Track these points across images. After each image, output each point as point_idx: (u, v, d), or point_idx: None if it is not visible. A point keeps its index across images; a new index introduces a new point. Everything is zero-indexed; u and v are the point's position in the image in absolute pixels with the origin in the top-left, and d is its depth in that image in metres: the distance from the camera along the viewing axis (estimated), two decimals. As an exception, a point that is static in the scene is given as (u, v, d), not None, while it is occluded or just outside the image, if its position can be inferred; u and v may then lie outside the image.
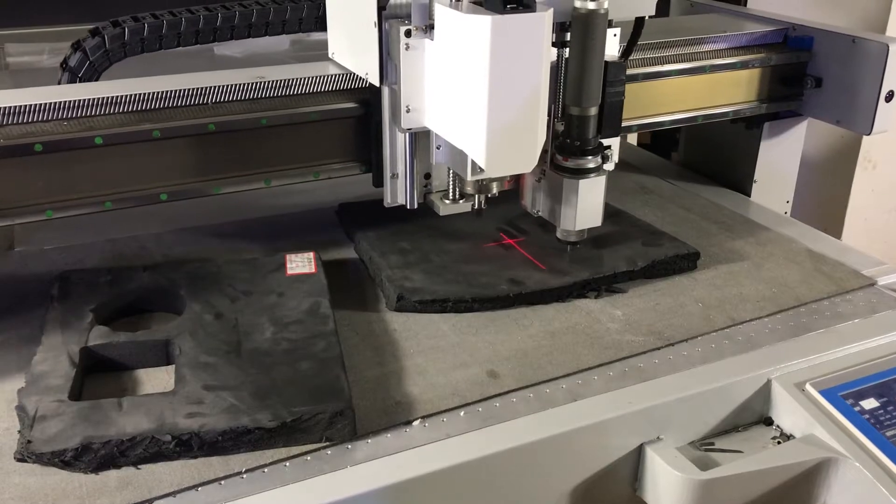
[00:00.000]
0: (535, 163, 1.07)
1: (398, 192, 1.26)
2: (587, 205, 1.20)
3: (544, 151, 1.17)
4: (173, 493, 0.88)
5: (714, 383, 1.08)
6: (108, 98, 1.17)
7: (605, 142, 1.18)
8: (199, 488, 0.89)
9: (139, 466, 0.91)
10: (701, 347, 1.15)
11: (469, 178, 1.16)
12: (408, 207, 1.26)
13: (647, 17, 1.19)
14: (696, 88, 1.53)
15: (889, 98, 1.51)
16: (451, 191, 1.26)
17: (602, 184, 1.20)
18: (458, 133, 1.08)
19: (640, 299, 1.26)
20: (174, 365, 1.06)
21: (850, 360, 1.13)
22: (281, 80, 1.25)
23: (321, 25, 1.39)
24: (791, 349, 1.15)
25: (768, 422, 1.10)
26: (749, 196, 1.69)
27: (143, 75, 1.26)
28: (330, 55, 1.33)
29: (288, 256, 1.28)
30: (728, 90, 1.56)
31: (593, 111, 1.14)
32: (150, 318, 1.19)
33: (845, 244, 1.47)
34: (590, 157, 1.17)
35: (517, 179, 1.28)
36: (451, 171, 1.23)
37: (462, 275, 1.27)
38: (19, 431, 0.93)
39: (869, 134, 1.54)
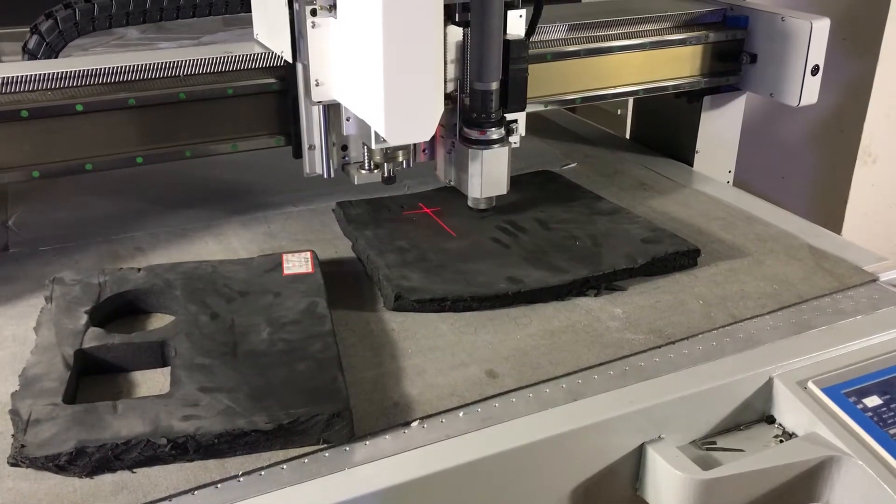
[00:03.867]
0: (433, 132, 1.13)
1: (315, 162, 1.34)
2: (491, 173, 1.29)
3: (454, 125, 1.27)
4: (169, 497, 0.87)
5: (715, 382, 1.07)
6: (86, 70, 1.26)
7: (511, 116, 1.28)
8: (195, 492, 0.88)
9: (134, 470, 0.90)
10: (702, 345, 1.14)
11: (373, 146, 1.25)
12: (325, 177, 1.34)
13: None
14: (639, 64, 1.63)
15: (815, 72, 1.62)
16: (365, 161, 1.33)
17: (505, 154, 1.29)
18: (361, 105, 1.16)
19: (640, 297, 1.25)
20: (170, 367, 1.05)
21: (852, 357, 1.12)
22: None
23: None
24: (793, 347, 1.14)
25: (770, 420, 1.10)
26: (692, 166, 1.79)
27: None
28: (255, 36, 1.42)
29: (284, 256, 1.27)
30: (670, 66, 1.67)
31: (494, 86, 1.23)
32: (146, 319, 1.18)
33: (846, 240, 1.45)
34: (493, 129, 1.26)
35: (432, 151, 1.38)
36: (363, 142, 1.31)
37: (460, 273, 1.26)
38: (13, 435, 0.92)
39: (797, 105, 1.65)
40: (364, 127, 1.23)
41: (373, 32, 1.04)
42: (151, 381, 1.05)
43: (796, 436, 1.06)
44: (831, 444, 1.01)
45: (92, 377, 1.05)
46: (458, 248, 1.34)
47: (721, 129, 1.82)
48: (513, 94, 1.27)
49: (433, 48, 1.08)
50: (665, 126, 1.88)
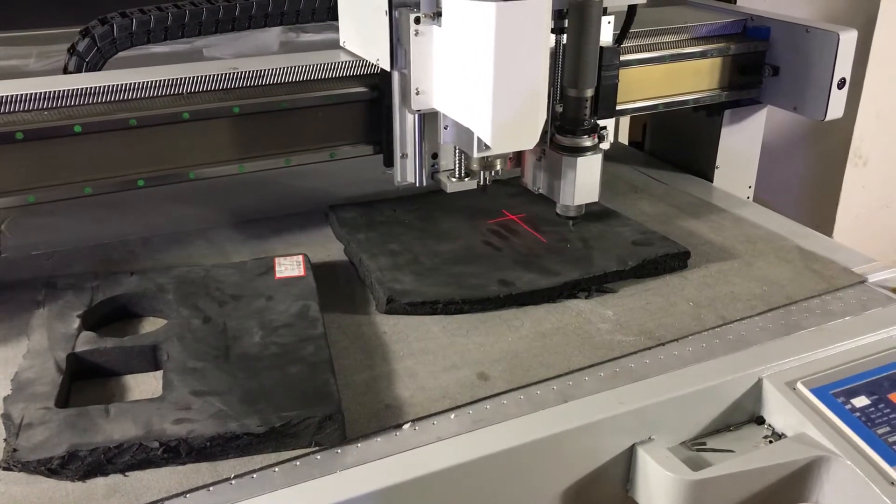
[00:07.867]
0: (537, 140, 1.13)
1: (408, 171, 1.32)
2: (584, 181, 1.27)
3: (544, 132, 1.24)
4: (161, 501, 0.88)
5: (705, 383, 1.07)
6: (86, 89, 1.21)
7: (601, 122, 1.26)
8: (188, 495, 0.89)
9: (127, 474, 0.91)
10: (692, 347, 1.15)
11: (475, 155, 1.21)
12: (416, 185, 1.33)
13: (638, 5, 1.27)
14: (658, 78, 1.58)
15: (841, 85, 1.56)
16: (457, 169, 1.30)
17: (598, 161, 1.26)
18: (465, 113, 1.15)
19: (630, 299, 1.26)
20: (162, 370, 1.05)
21: (841, 358, 1.13)
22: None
23: (320, 16, 1.47)
24: (782, 348, 1.15)
25: (760, 421, 1.10)
26: (712, 182, 1.74)
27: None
28: (341, 44, 1.40)
29: (277, 260, 1.27)
30: (689, 79, 1.61)
31: (589, 93, 1.22)
32: (138, 323, 1.18)
33: (836, 241, 1.46)
34: (586, 137, 1.24)
35: (518, 159, 1.35)
36: (457, 151, 1.29)
37: (452, 276, 1.27)
38: (5, 440, 0.92)
39: (823, 119, 1.58)
40: (463, 135, 1.21)
41: (483, 41, 1.05)
42: (144, 385, 1.06)
43: (785, 436, 1.07)
44: (820, 444, 1.02)
45: (84, 381, 1.05)
46: (449, 250, 1.35)
47: (741, 144, 1.75)
48: (604, 101, 1.27)
49: (541, 56, 1.08)
50: (683, 141, 1.81)
